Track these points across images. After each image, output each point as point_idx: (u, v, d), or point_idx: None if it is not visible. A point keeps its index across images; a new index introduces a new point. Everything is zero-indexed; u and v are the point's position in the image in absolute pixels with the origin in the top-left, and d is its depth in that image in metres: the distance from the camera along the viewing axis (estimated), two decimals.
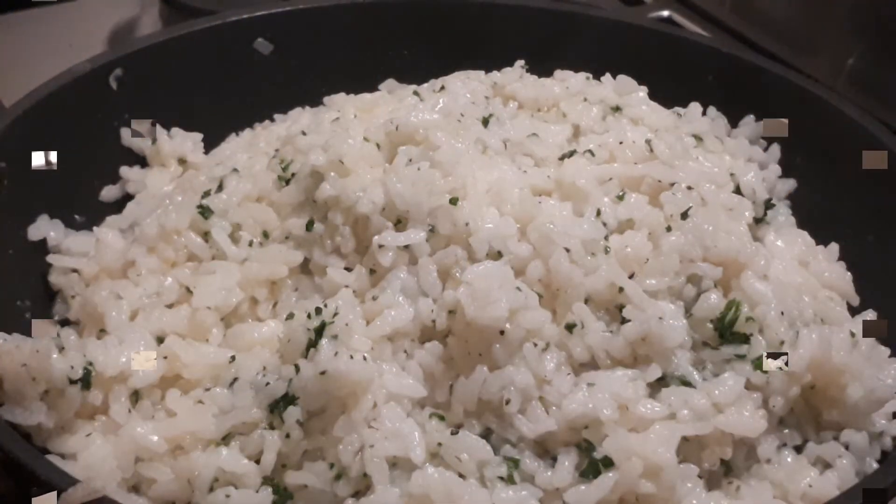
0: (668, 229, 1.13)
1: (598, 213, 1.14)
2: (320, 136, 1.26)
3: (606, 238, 1.12)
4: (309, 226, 1.16)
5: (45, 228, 1.29)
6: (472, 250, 1.07)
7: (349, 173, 1.15)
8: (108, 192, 1.41)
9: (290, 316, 1.09)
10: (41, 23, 2.00)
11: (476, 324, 1.01)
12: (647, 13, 1.95)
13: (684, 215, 1.14)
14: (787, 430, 1.09)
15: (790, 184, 1.40)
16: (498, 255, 1.06)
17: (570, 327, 1.06)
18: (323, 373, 1.00)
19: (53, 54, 1.75)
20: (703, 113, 1.45)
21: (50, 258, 1.26)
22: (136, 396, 1.08)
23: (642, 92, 1.39)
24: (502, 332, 1.02)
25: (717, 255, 1.11)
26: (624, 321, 1.06)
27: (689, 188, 1.19)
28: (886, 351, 1.16)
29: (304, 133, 1.28)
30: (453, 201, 1.10)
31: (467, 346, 1.04)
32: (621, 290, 1.07)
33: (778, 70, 1.46)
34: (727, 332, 1.09)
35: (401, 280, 1.08)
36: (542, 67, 1.44)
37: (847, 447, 1.08)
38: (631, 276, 1.09)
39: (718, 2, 2.05)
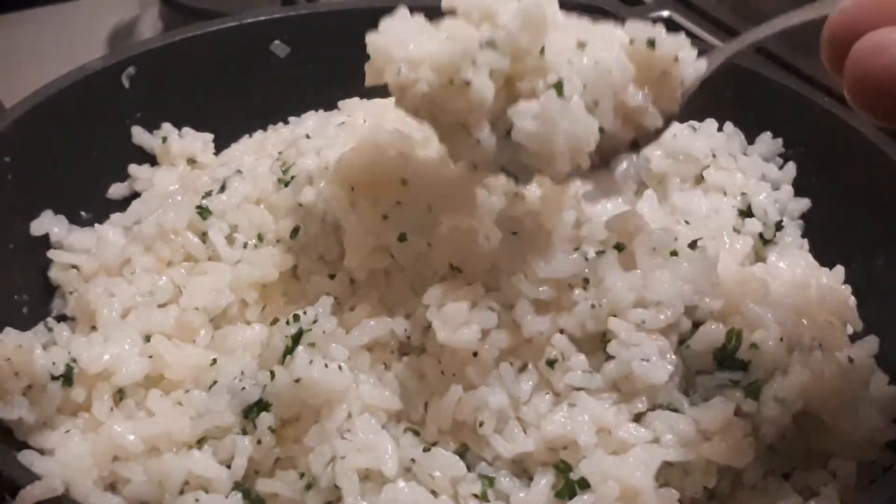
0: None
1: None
2: (322, 139, 1.26)
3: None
4: (293, 233, 1.16)
5: (48, 224, 1.30)
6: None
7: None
8: (116, 190, 1.42)
9: (275, 321, 1.09)
10: (41, 23, 2.02)
11: (448, 346, 1.00)
12: (647, 13, 1.92)
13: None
14: (776, 457, 1.06)
15: (804, 203, 1.36)
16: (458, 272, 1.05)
17: (550, 363, 1.03)
18: (297, 380, 0.99)
19: (53, 54, 1.78)
20: (720, 128, 1.42)
21: (50, 253, 1.27)
22: (120, 395, 1.09)
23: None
24: (475, 354, 1.00)
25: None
26: (608, 357, 1.03)
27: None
28: (885, 378, 1.12)
29: (308, 136, 1.29)
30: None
31: (440, 365, 1.02)
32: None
33: (797, 87, 1.43)
34: (727, 359, 1.06)
35: (378, 291, 1.07)
36: None
37: (835, 475, 1.04)
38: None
39: (718, 2, 2.01)
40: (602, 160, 1.01)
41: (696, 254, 1.09)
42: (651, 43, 0.97)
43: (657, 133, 1.03)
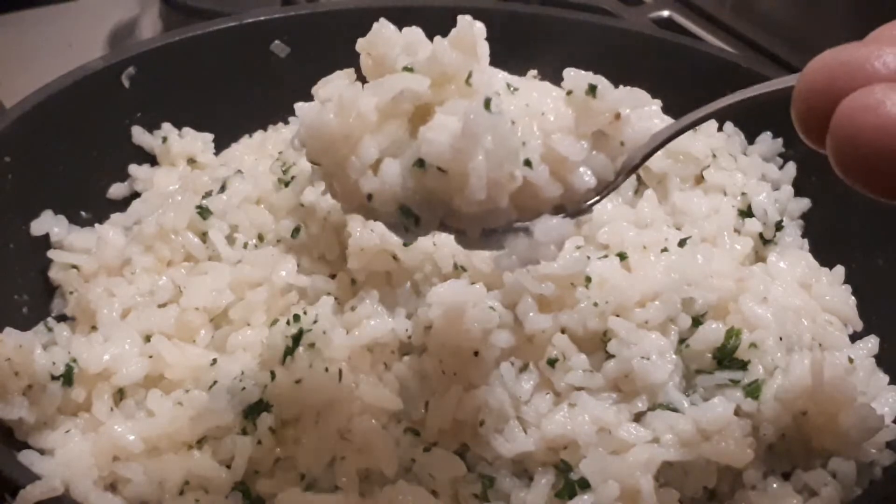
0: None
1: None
2: None
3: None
4: (294, 232, 1.16)
5: (48, 224, 1.29)
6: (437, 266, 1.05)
7: None
8: (116, 190, 1.42)
9: (275, 321, 1.09)
10: (41, 23, 2.01)
11: (449, 345, 1.00)
12: (648, 13, 1.92)
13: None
14: (776, 457, 1.06)
15: (804, 203, 1.36)
16: (462, 271, 1.05)
17: (552, 362, 1.03)
18: (298, 381, 1.00)
19: (53, 54, 1.78)
20: (720, 128, 1.42)
21: (50, 253, 1.26)
22: (120, 395, 1.09)
23: (655, 105, 1.36)
24: (476, 353, 1.00)
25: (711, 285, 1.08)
26: (608, 356, 1.04)
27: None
28: (885, 378, 1.12)
29: None
30: None
31: (441, 364, 1.02)
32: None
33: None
34: (726, 359, 1.06)
35: (379, 291, 1.07)
36: (554, 77, 1.42)
37: (835, 475, 1.04)
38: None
39: (718, 2, 2.01)
40: (519, 219, 0.85)
41: (686, 248, 1.11)
42: (592, 90, 0.85)
43: (586, 207, 0.87)
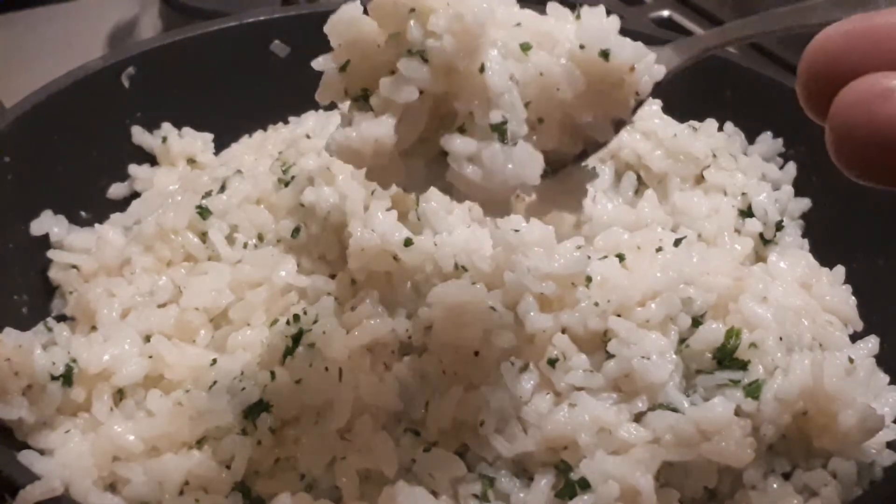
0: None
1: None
2: (322, 139, 1.25)
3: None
4: (295, 232, 1.16)
5: (47, 224, 1.30)
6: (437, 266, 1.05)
7: (335, 181, 1.14)
8: (116, 190, 1.42)
9: (275, 321, 1.09)
10: (41, 23, 2.01)
11: (449, 345, 1.00)
12: (648, 13, 1.92)
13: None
14: (776, 457, 1.06)
15: (804, 203, 1.36)
16: (463, 271, 1.05)
17: (552, 362, 1.03)
18: (298, 381, 0.99)
19: (53, 54, 1.78)
20: (720, 128, 1.42)
21: (50, 253, 1.27)
22: (120, 395, 1.09)
23: (656, 105, 1.37)
24: (477, 353, 1.00)
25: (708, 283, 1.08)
26: (609, 356, 1.03)
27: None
28: (886, 378, 1.12)
29: (308, 136, 1.28)
30: None
31: (442, 364, 1.02)
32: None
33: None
34: (727, 359, 1.06)
35: (379, 291, 1.07)
36: None
37: (835, 475, 1.04)
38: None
39: (718, 2, 2.00)
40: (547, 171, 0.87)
41: (683, 248, 1.12)
42: (605, 54, 0.84)
43: (606, 142, 0.92)
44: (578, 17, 0.86)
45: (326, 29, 0.83)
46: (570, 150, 0.90)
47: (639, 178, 1.31)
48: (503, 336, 1.01)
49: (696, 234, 1.22)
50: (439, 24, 0.79)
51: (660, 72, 0.88)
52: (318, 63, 0.85)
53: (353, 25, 0.82)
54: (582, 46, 0.84)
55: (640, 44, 0.86)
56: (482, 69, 0.80)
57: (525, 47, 0.83)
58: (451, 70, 0.80)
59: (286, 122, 1.53)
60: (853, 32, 0.64)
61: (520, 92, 0.82)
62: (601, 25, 0.85)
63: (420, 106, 0.81)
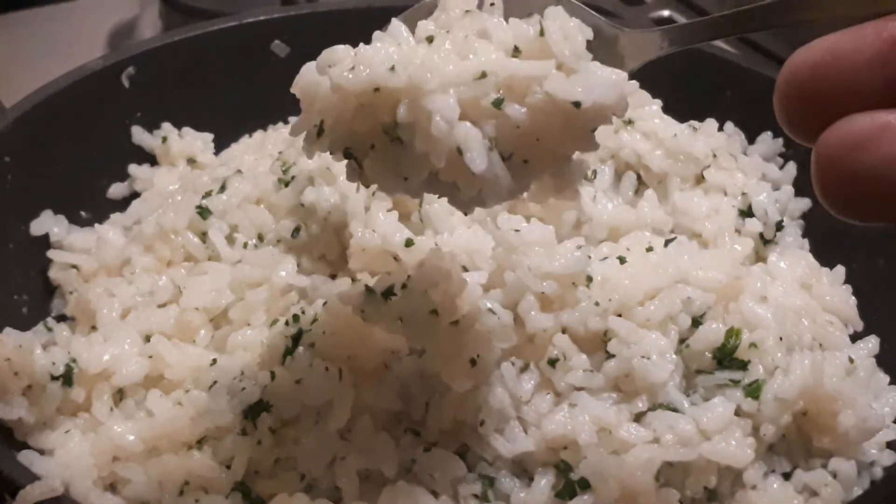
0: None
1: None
2: None
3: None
4: (295, 232, 1.16)
5: (47, 224, 1.30)
6: None
7: (335, 181, 1.14)
8: (116, 190, 1.42)
9: (275, 321, 1.09)
10: (41, 23, 2.01)
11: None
12: (648, 13, 1.92)
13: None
14: (776, 457, 1.06)
15: (804, 203, 1.36)
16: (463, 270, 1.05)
17: (552, 362, 1.03)
18: (298, 381, 0.99)
19: (53, 54, 1.78)
20: (720, 128, 1.42)
21: (50, 253, 1.27)
22: (120, 395, 1.09)
23: (656, 105, 1.37)
24: (477, 353, 1.00)
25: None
26: (609, 356, 1.03)
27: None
28: (886, 378, 1.12)
29: None
30: None
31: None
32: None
33: None
34: (727, 359, 1.06)
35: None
36: None
37: (835, 476, 1.04)
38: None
39: (718, 2, 2.00)
40: None
41: (681, 247, 1.12)
42: (576, 104, 0.81)
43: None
44: (542, 33, 0.83)
45: (293, 90, 0.85)
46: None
47: (639, 178, 1.30)
48: (503, 336, 1.01)
49: (695, 235, 1.22)
50: (406, 116, 0.79)
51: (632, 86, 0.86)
52: (294, 129, 0.88)
53: (316, 91, 0.84)
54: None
55: (607, 72, 0.84)
56: (460, 152, 0.79)
57: (497, 104, 0.81)
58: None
59: (286, 122, 1.53)
60: (820, 65, 0.63)
61: (499, 146, 0.81)
62: (566, 55, 0.82)
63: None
